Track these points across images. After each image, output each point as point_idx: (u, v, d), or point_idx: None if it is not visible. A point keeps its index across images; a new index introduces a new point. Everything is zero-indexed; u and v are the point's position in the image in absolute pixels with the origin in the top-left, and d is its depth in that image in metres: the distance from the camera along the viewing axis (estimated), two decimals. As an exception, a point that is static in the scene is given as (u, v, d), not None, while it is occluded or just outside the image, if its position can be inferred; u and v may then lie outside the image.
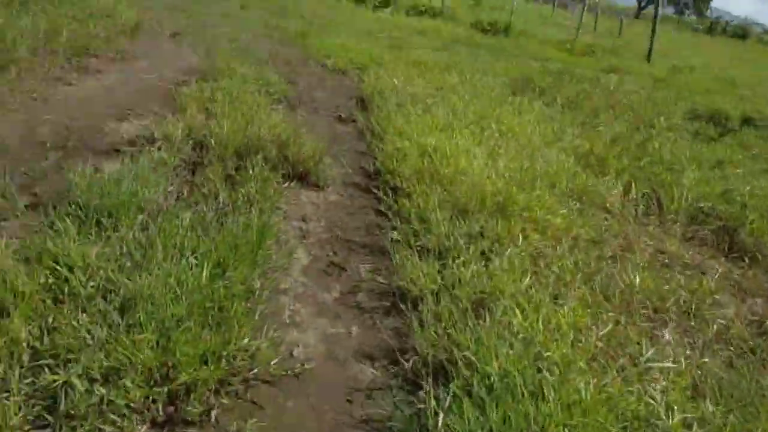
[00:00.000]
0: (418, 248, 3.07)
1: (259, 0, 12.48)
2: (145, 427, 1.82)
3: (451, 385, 2.02)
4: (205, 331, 2.12)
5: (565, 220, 3.52)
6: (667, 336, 2.56)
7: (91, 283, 2.23)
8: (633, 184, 4.35)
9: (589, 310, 2.58)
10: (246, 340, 2.15)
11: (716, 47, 28.03)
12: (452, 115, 5.41)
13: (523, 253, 3.00)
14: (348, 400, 2.13)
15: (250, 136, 3.94)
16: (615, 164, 4.89)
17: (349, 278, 2.93)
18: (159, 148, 3.77)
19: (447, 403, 1.95)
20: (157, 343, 2.01)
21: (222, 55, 6.57)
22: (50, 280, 2.24)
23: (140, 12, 8.19)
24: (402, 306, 2.64)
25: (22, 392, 1.79)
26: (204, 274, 2.36)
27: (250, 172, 3.60)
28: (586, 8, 20.11)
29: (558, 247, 3.17)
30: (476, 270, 2.76)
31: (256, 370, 2.11)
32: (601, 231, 3.58)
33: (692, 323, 2.77)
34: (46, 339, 1.96)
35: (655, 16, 14.55)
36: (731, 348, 2.62)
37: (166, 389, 1.89)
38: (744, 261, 3.65)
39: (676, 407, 2.00)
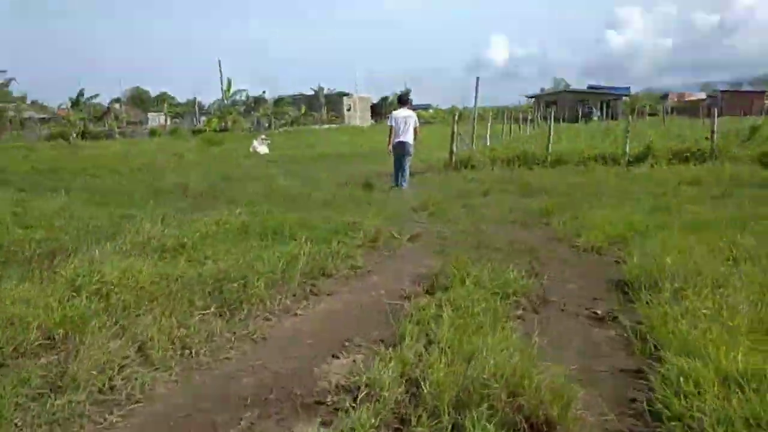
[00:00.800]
0: None
1: (501, 183, 12.23)
2: None
3: None
4: None
5: None
6: None
7: None
8: None
9: None
10: None
11: None
12: (762, 305, 3.83)
13: None
14: None
15: (472, 376, 3.03)
16: None
17: None
18: (360, 402, 3.09)
19: None
20: None
21: (455, 255, 6.02)
22: None
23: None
24: None
25: None
26: None
27: (469, 435, 2.64)
28: None
29: None
30: None
31: None
32: None
33: None
34: None
35: None
36: None
37: None
38: None
39: None
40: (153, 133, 46.18)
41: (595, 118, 54.02)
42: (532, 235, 7.51)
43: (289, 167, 17.31)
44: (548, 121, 16.89)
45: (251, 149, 23.65)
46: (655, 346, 3.68)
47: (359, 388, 3.26)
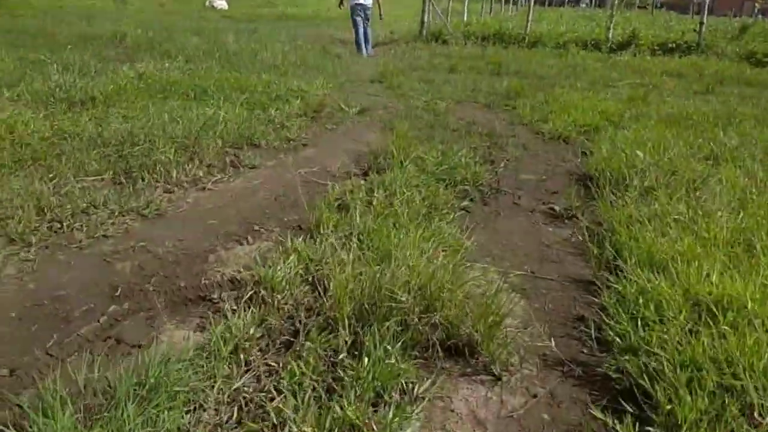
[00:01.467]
0: None
1: (471, 60, 11.22)
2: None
3: None
4: None
5: None
6: None
7: None
8: None
9: None
10: None
11: None
12: (744, 214, 3.25)
13: None
14: None
15: (381, 282, 2.40)
16: None
17: None
18: (246, 303, 2.46)
19: None
20: None
21: (401, 131, 5.26)
22: None
23: (330, 91, 7.45)
24: None
25: None
26: None
27: (366, 359, 2.05)
28: None
29: None
30: None
31: None
32: None
33: None
34: None
35: None
36: None
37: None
38: None
39: None
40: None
41: (583, 5, 51.34)
42: (494, 118, 6.75)
43: (246, 26, 15.75)
44: (529, 0, 15.52)
45: (207, 2, 21.58)
46: (616, 254, 3.11)
47: (257, 282, 2.62)
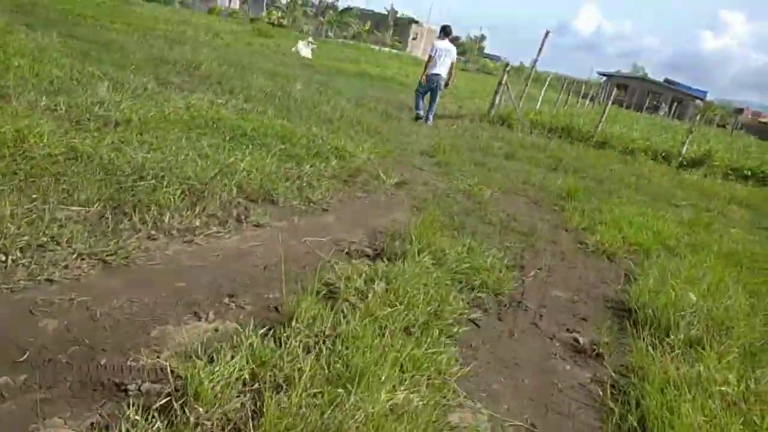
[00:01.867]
0: None
1: (532, 149, 10.80)
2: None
3: None
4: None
5: None
6: None
7: None
8: None
9: None
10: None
11: None
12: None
13: None
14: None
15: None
16: None
17: None
18: (159, 413, 2.00)
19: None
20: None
21: (428, 216, 4.84)
22: None
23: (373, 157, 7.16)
24: None
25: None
26: None
27: None
28: None
29: None
30: None
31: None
32: None
33: None
34: None
35: None
36: None
37: None
38: None
39: None
40: (212, 11, 44.61)
41: (662, 114, 50.75)
42: (538, 216, 6.24)
43: (320, 77, 15.95)
44: (608, 99, 15.12)
45: (294, 49, 22.22)
46: (641, 428, 2.52)
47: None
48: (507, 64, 14.27)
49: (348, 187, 5.76)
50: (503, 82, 13.54)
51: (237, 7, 58.97)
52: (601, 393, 2.92)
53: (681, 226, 6.79)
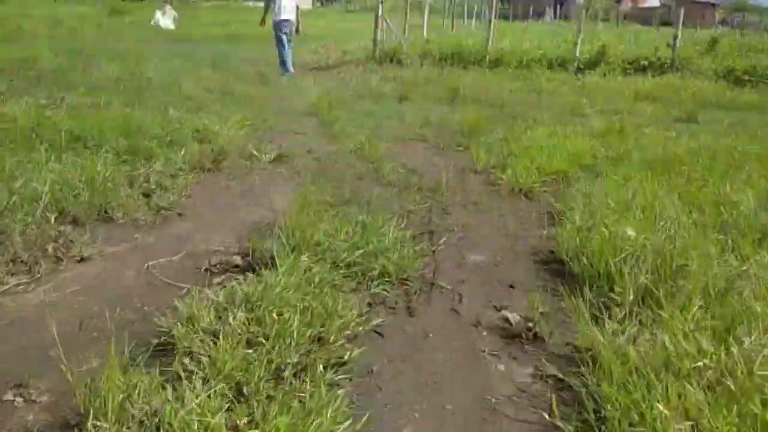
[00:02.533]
0: None
1: (426, 85, 10.01)
2: None
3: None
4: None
5: None
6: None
7: None
8: None
9: None
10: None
11: None
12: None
13: None
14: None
15: None
16: None
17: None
18: None
19: None
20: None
21: (307, 193, 3.95)
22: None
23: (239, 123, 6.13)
24: None
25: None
26: None
27: None
28: None
29: None
30: None
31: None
32: None
33: None
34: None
35: None
36: None
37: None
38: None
39: None
40: (57, -2, 40.21)
41: (548, 19, 51.00)
42: (442, 163, 5.49)
43: (184, 47, 14.33)
44: (491, 14, 14.45)
45: (153, 23, 20.11)
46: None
47: None
48: (381, -4, 13.24)
49: (212, 177, 4.77)
50: (380, 14, 12.54)
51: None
52: (548, 396, 2.21)
53: (595, 138, 6.24)
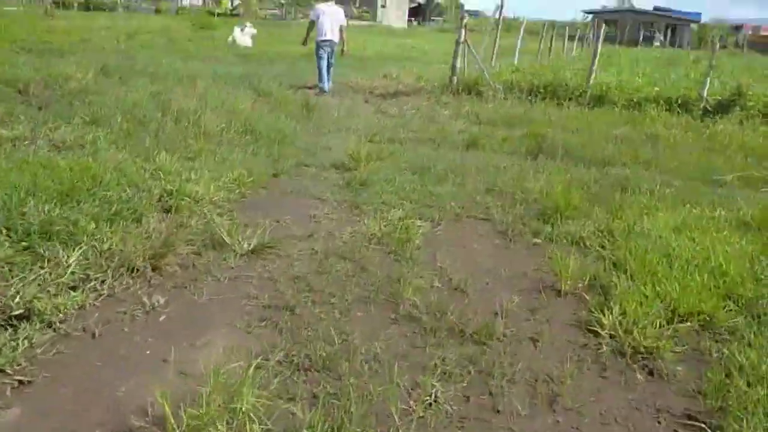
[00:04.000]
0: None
1: (505, 125, 8.04)
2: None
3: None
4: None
5: None
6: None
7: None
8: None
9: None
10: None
11: None
12: None
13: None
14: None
15: None
16: None
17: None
18: None
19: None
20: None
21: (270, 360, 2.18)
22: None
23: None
24: None
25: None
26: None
27: None
28: None
29: None
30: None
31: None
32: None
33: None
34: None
35: None
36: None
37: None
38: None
39: None
40: (158, 11, 41.40)
41: (657, 44, 47.21)
42: (506, 270, 3.54)
43: (248, 67, 13.09)
44: (597, 39, 12.22)
45: (230, 39, 19.31)
46: None
47: None
48: (463, 17, 11.36)
49: (139, 285, 3.09)
50: (462, 39, 10.67)
51: (200, 3, 55.57)
52: None
53: (748, 232, 4.09)
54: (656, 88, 10.20)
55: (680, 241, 3.84)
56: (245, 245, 3.58)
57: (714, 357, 2.73)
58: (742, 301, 3.15)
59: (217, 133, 6.28)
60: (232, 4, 47.19)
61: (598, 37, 12.41)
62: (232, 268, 3.39)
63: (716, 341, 2.87)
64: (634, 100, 9.74)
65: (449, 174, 5.47)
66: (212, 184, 4.50)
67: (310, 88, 11.09)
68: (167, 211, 4.10)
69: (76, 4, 38.43)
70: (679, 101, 9.57)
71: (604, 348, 2.75)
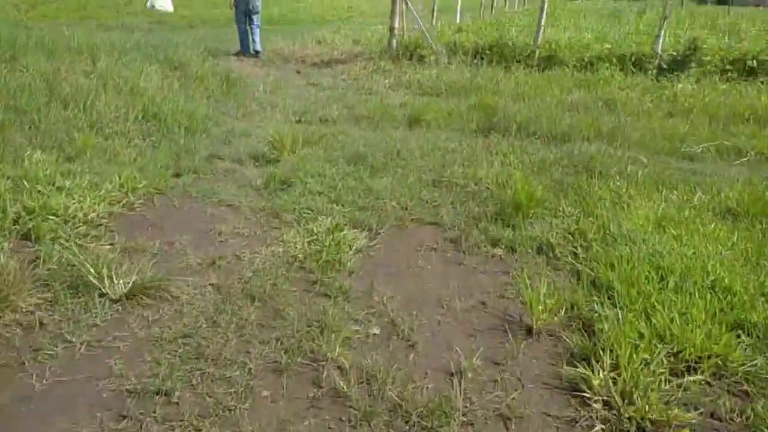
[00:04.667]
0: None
1: (451, 95, 7.25)
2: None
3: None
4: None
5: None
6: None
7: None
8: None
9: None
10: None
11: None
12: None
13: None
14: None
15: None
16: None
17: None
18: None
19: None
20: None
21: None
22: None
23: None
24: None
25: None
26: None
27: None
28: None
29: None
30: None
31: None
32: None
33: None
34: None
35: None
36: None
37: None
38: None
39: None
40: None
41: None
42: (462, 300, 2.79)
43: (160, 36, 11.71)
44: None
45: (148, 4, 17.60)
46: None
47: None
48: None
49: None
50: (399, -4, 9.70)
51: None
52: None
53: (740, 230, 3.46)
54: (607, 45, 9.55)
55: (667, 245, 3.17)
56: (119, 287, 2.70)
57: (737, 423, 2.07)
58: (756, 332, 2.50)
59: (112, 120, 5.25)
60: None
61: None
62: (97, 325, 2.51)
63: (734, 394, 2.21)
64: (585, 59, 9.06)
65: (389, 162, 4.65)
66: (90, 195, 3.56)
67: (236, 55, 9.99)
68: (25, 236, 3.16)
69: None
70: (633, 59, 8.94)
71: (598, 426, 2.04)
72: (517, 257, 3.24)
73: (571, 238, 3.38)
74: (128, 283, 2.72)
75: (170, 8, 17.61)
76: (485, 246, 3.35)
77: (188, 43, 9.72)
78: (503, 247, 3.34)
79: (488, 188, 4.14)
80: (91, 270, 2.75)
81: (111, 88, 6.06)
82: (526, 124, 5.81)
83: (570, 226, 3.50)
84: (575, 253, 3.23)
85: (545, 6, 9.67)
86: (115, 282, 2.72)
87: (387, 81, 8.20)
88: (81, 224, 3.30)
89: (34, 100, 5.52)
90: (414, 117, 6.07)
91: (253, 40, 9.83)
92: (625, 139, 5.46)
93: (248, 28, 9.80)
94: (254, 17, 9.72)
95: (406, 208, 3.83)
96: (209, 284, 2.83)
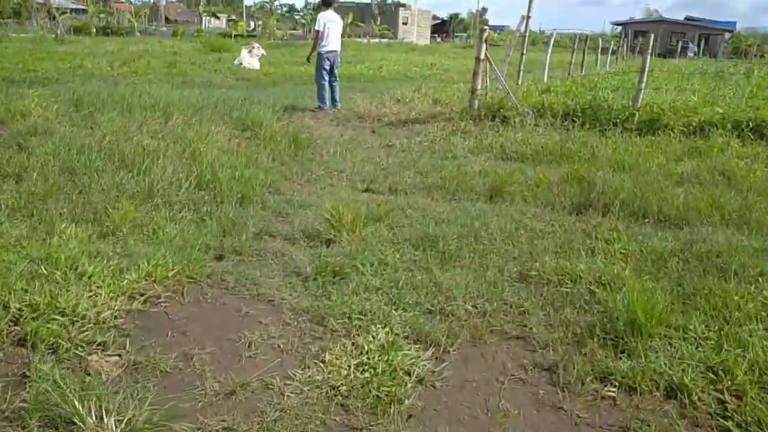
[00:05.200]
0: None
1: (538, 161, 6.47)
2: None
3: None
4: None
5: None
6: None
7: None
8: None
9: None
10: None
11: None
12: None
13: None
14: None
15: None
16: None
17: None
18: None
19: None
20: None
21: None
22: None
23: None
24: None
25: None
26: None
27: None
28: None
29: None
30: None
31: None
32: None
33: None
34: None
35: None
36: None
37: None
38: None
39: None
40: (175, 33, 40.79)
41: (691, 55, 45.00)
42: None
43: (246, 92, 11.70)
44: (641, 52, 10.49)
45: (236, 61, 18.08)
46: None
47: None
48: (483, 29, 9.77)
49: None
50: (482, 56, 9.10)
51: (223, 24, 55.13)
52: None
53: None
54: (718, 109, 8.48)
55: None
56: (108, 427, 2.07)
57: None
58: None
59: (164, 188, 4.83)
60: (249, 26, 46.50)
61: (633, 49, 10.65)
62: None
63: None
64: (693, 124, 8.04)
65: (464, 247, 3.90)
66: (108, 287, 3.03)
67: (313, 110, 9.79)
68: (22, 342, 2.64)
69: (94, 30, 38.03)
70: (751, 125, 7.84)
71: None
72: (637, 402, 2.38)
73: (714, 377, 2.47)
74: (121, 421, 2.10)
75: (257, 66, 18.00)
76: (592, 381, 2.51)
77: (267, 101, 9.56)
78: (617, 384, 2.49)
79: (590, 289, 3.30)
80: (76, 404, 2.14)
81: (172, 152, 5.73)
82: (630, 201, 4.92)
83: (708, 359, 2.59)
84: (722, 401, 2.33)
85: (647, 65, 8.76)
86: (105, 421, 2.10)
87: (467, 143, 7.53)
88: (90, 325, 2.75)
89: (92, 162, 5.25)
90: (495, 187, 5.32)
91: (334, 97, 9.98)
92: (758, 224, 4.46)
93: (330, 84, 9.93)
94: (336, 71, 10.07)
95: (485, 314, 3.06)
96: (222, 429, 2.16)
